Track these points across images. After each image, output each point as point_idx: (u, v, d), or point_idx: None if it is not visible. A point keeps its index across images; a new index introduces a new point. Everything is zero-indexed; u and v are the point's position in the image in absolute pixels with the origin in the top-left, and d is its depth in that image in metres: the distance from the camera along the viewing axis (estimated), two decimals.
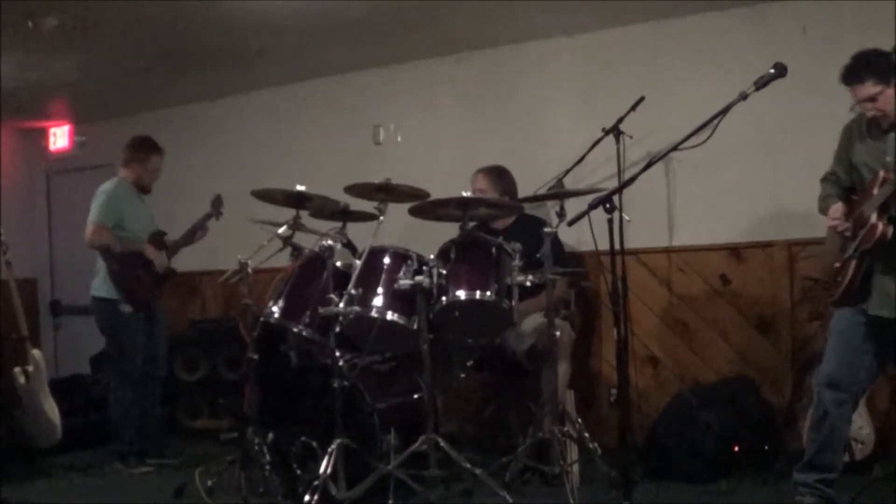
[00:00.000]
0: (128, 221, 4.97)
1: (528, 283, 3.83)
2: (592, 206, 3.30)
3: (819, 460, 3.38)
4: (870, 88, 3.17)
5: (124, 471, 4.90)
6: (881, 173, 3.17)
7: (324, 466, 3.63)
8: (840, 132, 3.46)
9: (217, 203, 5.18)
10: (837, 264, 3.34)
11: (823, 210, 3.44)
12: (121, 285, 4.90)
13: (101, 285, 4.97)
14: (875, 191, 3.16)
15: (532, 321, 4.37)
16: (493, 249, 3.87)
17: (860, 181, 3.34)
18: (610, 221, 3.28)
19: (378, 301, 3.84)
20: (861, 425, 4.09)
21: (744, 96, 3.20)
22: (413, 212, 4.02)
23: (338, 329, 3.80)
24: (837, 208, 3.33)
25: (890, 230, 3.12)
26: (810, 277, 4.33)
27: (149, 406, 5.05)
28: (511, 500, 3.58)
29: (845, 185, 3.43)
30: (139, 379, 4.98)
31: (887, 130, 3.24)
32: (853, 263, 3.26)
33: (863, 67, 3.19)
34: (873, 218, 3.15)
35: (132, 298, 4.92)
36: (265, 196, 4.09)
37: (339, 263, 3.97)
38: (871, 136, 3.30)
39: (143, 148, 5.14)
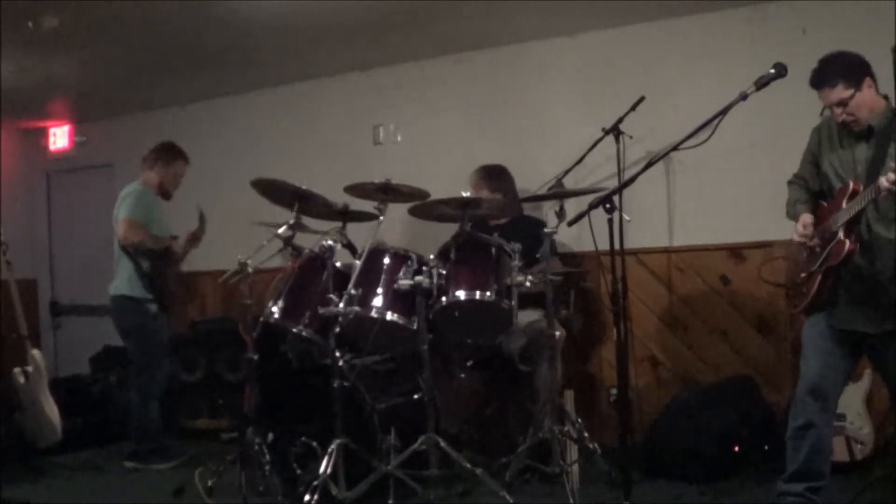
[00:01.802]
0: (153, 224, 5.01)
1: (528, 283, 3.83)
2: (592, 206, 3.30)
3: (807, 469, 3.35)
4: (840, 92, 3.13)
5: (142, 469, 4.91)
6: (850, 185, 3.13)
7: (324, 466, 3.63)
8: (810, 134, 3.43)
9: (201, 219, 5.19)
10: (803, 275, 3.32)
11: (792, 216, 3.41)
12: (151, 285, 4.95)
13: (124, 284, 4.99)
14: (844, 203, 3.13)
15: (524, 319, 4.36)
16: (493, 249, 3.87)
17: (829, 189, 3.31)
18: (610, 221, 3.28)
19: (378, 301, 3.83)
20: (861, 425, 4.10)
21: (744, 96, 3.19)
22: (413, 212, 4.02)
23: (337, 329, 3.79)
24: (808, 222, 3.28)
25: (857, 247, 3.10)
26: (777, 283, 4.29)
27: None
28: (511, 500, 3.58)
29: (813, 189, 3.40)
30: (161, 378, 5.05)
31: (860, 137, 3.21)
32: (819, 277, 3.24)
33: (833, 70, 3.15)
34: (841, 234, 3.12)
35: (161, 298, 4.98)
36: (265, 188, 4.07)
37: (339, 263, 3.97)
38: (842, 143, 3.27)
39: (170, 152, 5.19)
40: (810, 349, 3.36)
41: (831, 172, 3.30)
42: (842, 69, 3.15)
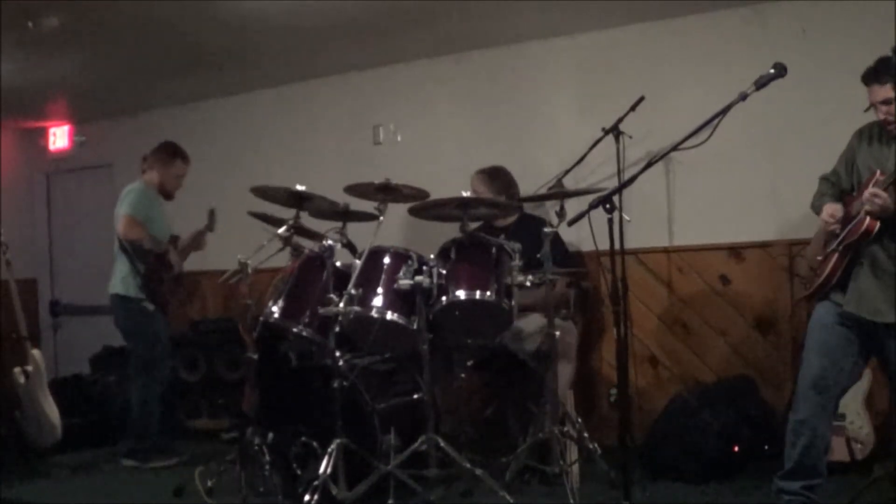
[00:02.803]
0: (153, 223, 5.02)
1: (528, 284, 3.83)
2: (592, 206, 3.29)
3: (804, 466, 3.34)
4: (888, 91, 3.15)
5: (140, 467, 4.91)
6: (878, 173, 3.17)
7: (324, 466, 3.63)
8: (850, 135, 3.44)
9: (211, 217, 5.19)
10: (820, 257, 3.35)
11: (817, 208, 3.43)
12: (145, 284, 4.95)
13: (119, 284, 5.00)
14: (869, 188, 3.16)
15: (537, 322, 4.36)
16: (493, 249, 3.87)
17: (858, 184, 3.33)
18: (610, 221, 3.27)
19: (378, 301, 3.83)
20: (861, 425, 4.10)
21: (744, 96, 3.19)
22: (413, 212, 4.02)
23: (338, 329, 3.79)
24: (837, 209, 3.32)
25: (876, 225, 3.12)
26: (795, 273, 4.33)
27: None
28: (511, 500, 3.58)
29: (844, 186, 3.42)
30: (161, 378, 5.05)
31: None
32: (835, 257, 3.26)
33: (886, 70, 3.17)
34: (861, 213, 3.15)
35: (154, 298, 4.98)
36: (265, 193, 4.08)
37: (339, 263, 3.97)
38: (880, 140, 3.29)
39: (167, 152, 5.19)
40: (814, 344, 3.36)
41: (863, 166, 3.32)
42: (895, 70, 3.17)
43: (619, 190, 3.40)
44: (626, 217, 3.67)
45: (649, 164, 3.30)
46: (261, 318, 3.98)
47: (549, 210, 4.84)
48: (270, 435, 3.97)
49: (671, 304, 4.98)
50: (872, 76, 3.20)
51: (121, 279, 4.99)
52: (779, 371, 4.64)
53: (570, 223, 3.50)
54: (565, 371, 4.26)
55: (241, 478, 3.87)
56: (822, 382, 3.31)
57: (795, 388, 3.46)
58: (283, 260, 4.14)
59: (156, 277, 5.01)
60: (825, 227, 3.36)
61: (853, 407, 4.10)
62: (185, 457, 5.00)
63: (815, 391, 3.32)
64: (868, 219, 3.13)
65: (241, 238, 4.41)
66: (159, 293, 5.03)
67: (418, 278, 3.77)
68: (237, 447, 4.00)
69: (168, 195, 5.19)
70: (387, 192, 3.88)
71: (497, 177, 4.79)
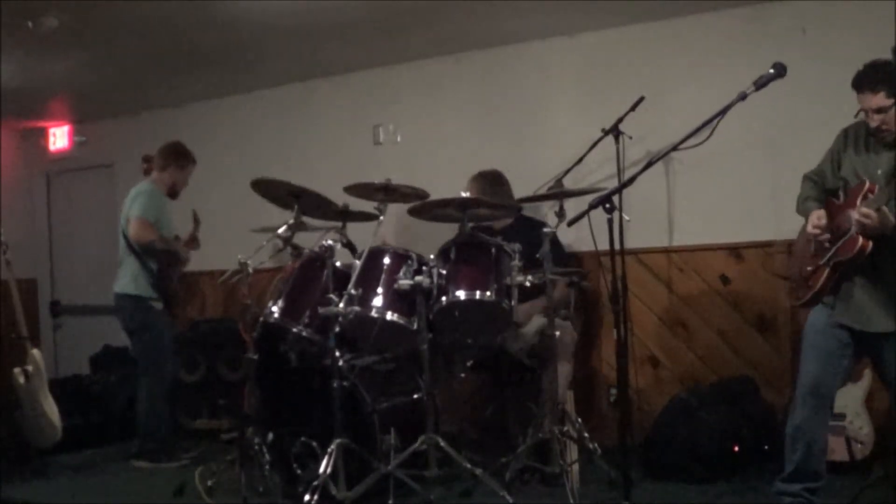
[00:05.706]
0: (162, 224, 5.05)
1: (528, 284, 3.83)
2: (592, 206, 3.29)
3: (804, 470, 3.35)
4: (881, 100, 3.12)
5: (151, 468, 4.92)
6: (867, 184, 3.14)
7: (324, 466, 3.63)
8: (837, 134, 3.42)
9: (195, 219, 5.22)
10: (810, 268, 3.32)
11: (802, 212, 3.41)
12: (158, 284, 4.99)
13: (129, 283, 5.02)
14: (858, 201, 3.13)
15: (534, 322, 4.37)
16: (493, 249, 3.87)
17: (845, 186, 3.31)
18: (610, 221, 3.28)
19: (378, 301, 3.83)
20: (861, 425, 4.10)
21: (743, 96, 3.19)
22: (413, 212, 4.02)
23: (338, 329, 3.79)
24: (821, 216, 3.28)
25: (869, 245, 3.10)
26: (783, 276, 4.31)
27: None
28: (511, 500, 3.58)
29: (829, 186, 3.40)
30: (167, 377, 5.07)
31: (887, 146, 3.19)
32: (826, 271, 3.24)
33: (878, 77, 3.13)
34: (853, 230, 3.13)
35: (165, 297, 5.02)
36: (265, 189, 4.07)
37: (338, 263, 3.97)
38: (868, 147, 3.26)
39: (184, 155, 5.21)
40: (810, 348, 3.36)
41: (851, 174, 3.29)
42: (888, 77, 3.12)
43: (618, 190, 3.40)
44: (626, 217, 3.67)
45: (649, 164, 3.30)
46: (261, 319, 3.98)
47: (549, 210, 4.84)
48: (270, 435, 3.97)
49: (671, 304, 4.98)
50: (863, 82, 3.16)
51: (131, 279, 5.00)
52: (779, 371, 4.64)
53: (570, 223, 3.50)
54: (563, 371, 4.26)
55: (241, 478, 3.87)
56: (819, 388, 3.32)
57: (794, 392, 3.46)
58: (283, 260, 4.14)
59: (166, 275, 5.04)
60: (812, 231, 3.34)
61: (853, 407, 4.10)
62: (195, 454, 5.01)
63: (812, 396, 3.32)
64: (861, 239, 3.10)
65: (240, 238, 4.42)
66: (170, 290, 5.07)
67: (418, 278, 3.77)
68: (237, 447, 4.00)
69: (176, 195, 5.21)
70: (387, 192, 3.88)
71: (497, 181, 4.77)
